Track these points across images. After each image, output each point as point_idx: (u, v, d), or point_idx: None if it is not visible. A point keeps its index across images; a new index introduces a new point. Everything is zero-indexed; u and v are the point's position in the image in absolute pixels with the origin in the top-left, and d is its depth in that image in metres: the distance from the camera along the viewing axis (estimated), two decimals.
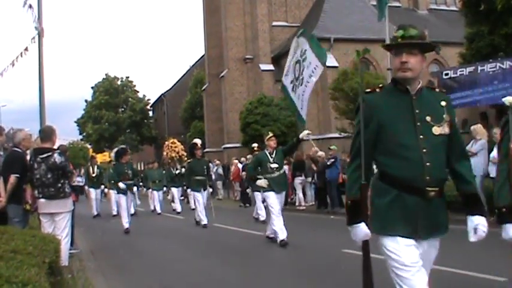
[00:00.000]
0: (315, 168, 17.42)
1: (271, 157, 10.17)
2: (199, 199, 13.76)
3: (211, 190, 15.28)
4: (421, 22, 36.73)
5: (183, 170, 19.66)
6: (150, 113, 58.32)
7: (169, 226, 15.34)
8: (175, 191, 20.25)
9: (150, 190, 20.71)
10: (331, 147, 17.56)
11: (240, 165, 22.25)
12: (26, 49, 10.86)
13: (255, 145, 14.47)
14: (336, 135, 26.46)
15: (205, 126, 41.22)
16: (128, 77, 56.16)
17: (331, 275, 6.99)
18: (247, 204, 21.12)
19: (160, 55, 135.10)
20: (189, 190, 14.20)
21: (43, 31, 10.94)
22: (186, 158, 22.44)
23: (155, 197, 20.09)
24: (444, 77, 14.44)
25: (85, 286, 6.45)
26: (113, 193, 18.35)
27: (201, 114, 42.71)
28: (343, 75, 23.77)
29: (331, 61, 30.47)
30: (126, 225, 13.39)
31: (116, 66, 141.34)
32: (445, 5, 40.84)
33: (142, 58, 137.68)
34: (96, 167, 20.11)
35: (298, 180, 18.34)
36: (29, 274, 3.52)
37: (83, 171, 41.73)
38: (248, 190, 16.32)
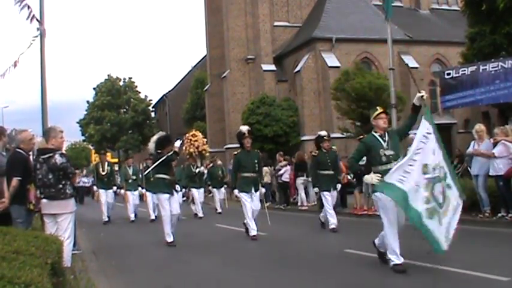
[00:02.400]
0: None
1: (384, 141, 7.27)
2: (247, 203, 10.97)
3: (264, 190, 12.04)
4: (422, 22, 36.80)
5: (202, 168, 18.87)
6: (152, 114, 58.31)
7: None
8: (196, 193, 17.76)
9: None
10: (332, 147, 17.53)
11: None
12: (28, 48, 10.86)
13: (323, 133, 12.42)
14: (338, 135, 26.47)
15: (207, 126, 41.20)
16: (130, 78, 56.14)
17: (333, 275, 6.99)
18: None
19: (162, 56, 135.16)
20: (236, 191, 11.20)
21: (45, 32, 10.94)
22: (208, 154, 21.20)
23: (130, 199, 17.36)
24: (446, 76, 14.41)
25: (87, 287, 6.45)
26: (149, 194, 16.14)
27: (203, 115, 42.71)
28: (344, 75, 23.76)
29: (332, 61, 30.51)
30: (169, 239, 10.56)
31: (118, 67, 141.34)
32: (447, 4, 40.80)
33: (144, 59, 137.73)
34: (106, 164, 17.28)
35: (300, 180, 18.36)
36: (31, 275, 3.53)
37: (85, 171, 41.72)
38: (316, 190, 12.78)
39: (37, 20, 10.62)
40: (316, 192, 13.27)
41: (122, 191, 17.40)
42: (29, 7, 10.30)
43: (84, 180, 34.10)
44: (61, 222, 7.10)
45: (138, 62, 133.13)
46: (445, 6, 40.57)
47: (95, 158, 19.79)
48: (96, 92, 54.46)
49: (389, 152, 7.13)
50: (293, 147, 29.63)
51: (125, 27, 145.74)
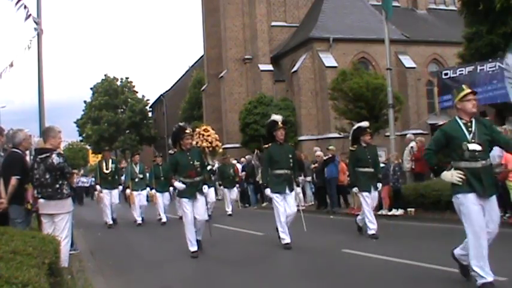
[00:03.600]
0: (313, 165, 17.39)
1: (469, 132, 5.68)
2: (279, 207, 9.35)
3: (299, 191, 10.83)
4: (419, 22, 36.84)
5: (216, 165, 18.20)
6: (150, 114, 58.29)
7: (169, 226, 15.29)
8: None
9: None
10: (329, 147, 17.58)
11: (239, 166, 22.13)
12: (26, 48, 10.85)
13: (364, 124, 10.79)
14: (335, 135, 26.48)
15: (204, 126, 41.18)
16: (127, 78, 56.14)
17: (331, 275, 6.99)
18: (247, 205, 21.12)
19: (159, 56, 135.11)
20: (268, 191, 9.54)
21: (42, 32, 10.93)
22: (221, 150, 20.07)
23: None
24: (444, 76, 14.45)
25: (85, 287, 6.45)
26: (159, 195, 15.57)
27: (200, 115, 42.69)
28: (342, 75, 23.76)
29: (330, 61, 30.52)
30: (192, 248, 8.99)
31: (115, 67, 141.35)
32: (444, 4, 40.86)
33: (141, 59, 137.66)
34: (111, 161, 15.65)
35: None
36: (28, 275, 3.53)
37: (82, 171, 41.60)
38: (355, 190, 10.82)
39: (34, 20, 10.62)
40: (355, 193, 11.54)
41: (128, 191, 15.84)
42: (25, 7, 10.30)
43: (83, 180, 33.40)
44: (58, 222, 7.09)
45: (136, 62, 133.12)
46: (442, 6, 40.63)
47: (102, 155, 17.76)
48: (93, 92, 54.43)
49: (475, 147, 5.63)
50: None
51: (122, 27, 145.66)
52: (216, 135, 19.58)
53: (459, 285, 5.98)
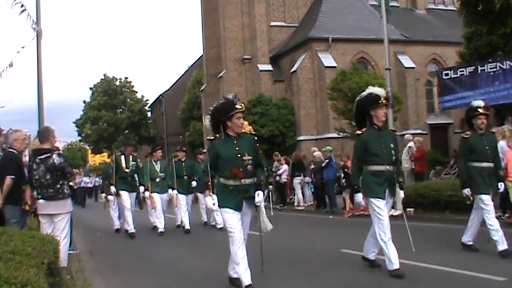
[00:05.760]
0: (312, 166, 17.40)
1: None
2: (381, 217, 6.67)
3: (403, 195, 7.42)
4: (419, 22, 36.83)
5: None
6: (149, 114, 58.33)
7: (168, 226, 15.27)
8: None
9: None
10: (326, 148, 17.59)
11: None
12: (23, 48, 10.85)
13: (479, 103, 7.87)
14: (334, 135, 26.49)
15: (203, 126, 41.19)
16: (127, 78, 56.29)
17: (330, 275, 6.99)
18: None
19: (158, 56, 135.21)
20: (359, 196, 7.00)
21: (41, 32, 10.93)
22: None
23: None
24: (444, 77, 14.45)
25: (84, 287, 6.43)
26: (183, 198, 13.43)
27: (200, 115, 42.68)
28: (341, 75, 23.77)
29: (329, 61, 30.52)
30: (246, 280, 5.99)
31: (114, 67, 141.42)
32: (443, 4, 40.87)
33: (140, 59, 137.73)
34: (131, 158, 12.83)
35: (297, 180, 18.38)
36: (28, 275, 3.53)
37: (80, 170, 41.34)
38: (466, 191, 7.84)
39: (33, 21, 10.62)
40: (467, 196, 7.85)
41: (147, 193, 13.02)
42: (22, 5, 10.30)
43: (85, 181, 32.01)
44: (58, 222, 7.09)
45: (135, 62, 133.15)
46: (441, 6, 40.64)
47: (123, 149, 13.50)
48: (92, 92, 54.49)
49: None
50: (289, 148, 29.64)
51: (122, 28, 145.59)
52: (250, 127, 18.48)
53: (459, 285, 5.98)
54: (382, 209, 6.64)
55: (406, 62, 32.02)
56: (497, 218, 7.64)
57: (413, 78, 32.19)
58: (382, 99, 6.75)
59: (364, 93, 7.01)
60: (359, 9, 34.07)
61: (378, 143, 6.75)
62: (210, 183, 6.12)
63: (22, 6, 10.37)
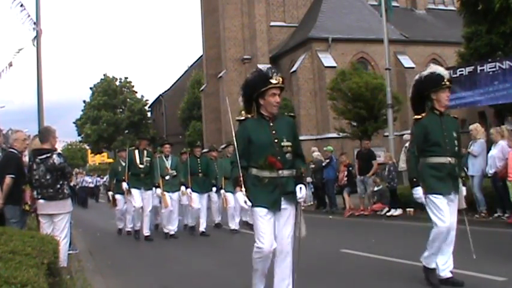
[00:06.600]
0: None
1: None
2: (440, 221, 5.68)
3: (465, 192, 6.20)
4: (418, 22, 36.84)
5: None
6: (149, 114, 58.35)
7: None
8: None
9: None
10: (327, 147, 17.59)
11: None
12: (18, 51, 10.85)
13: None
14: (334, 135, 26.48)
15: (203, 126, 41.18)
16: (127, 78, 56.39)
17: (330, 275, 6.98)
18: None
19: (158, 56, 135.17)
20: (419, 191, 5.89)
21: (41, 32, 10.93)
22: None
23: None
24: None
25: (83, 286, 6.43)
26: (197, 196, 12.35)
27: (199, 115, 42.71)
28: (341, 75, 23.76)
29: (329, 61, 30.51)
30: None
31: (114, 67, 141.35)
32: (443, 4, 40.88)
33: (140, 59, 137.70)
34: (145, 153, 11.78)
35: None
36: (27, 275, 3.52)
37: (80, 170, 41.07)
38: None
39: (33, 21, 10.63)
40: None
41: (158, 191, 11.82)
42: (22, 5, 10.30)
43: (87, 180, 31.35)
44: (58, 222, 7.09)
45: (135, 62, 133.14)
46: (441, 6, 40.65)
47: (138, 143, 12.51)
48: (92, 92, 54.53)
49: None
50: None
51: (122, 27, 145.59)
52: None
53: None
54: (442, 209, 5.68)
55: (406, 62, 32.02)
56: (497, 217, 7.64)
57: (413, 78, 32.12)
58: (445, 80, 5.84)
59: (425, 73, 6.04)
60: (359, 9, 34.06)
61: (440, 131, 5.78)
62: (241, 177, 4.86)
63: (22, 6, 10.37)
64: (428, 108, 5.96)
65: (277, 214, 4.93)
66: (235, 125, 5.34)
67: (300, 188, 4.94)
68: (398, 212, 13.44)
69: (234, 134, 5.18)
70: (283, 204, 4.92)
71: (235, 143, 5.04)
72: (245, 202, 4.85)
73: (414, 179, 5.84)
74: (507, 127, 11.71)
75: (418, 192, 5.83)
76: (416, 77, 6.14)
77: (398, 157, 16.11)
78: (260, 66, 4.73)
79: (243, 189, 4.84)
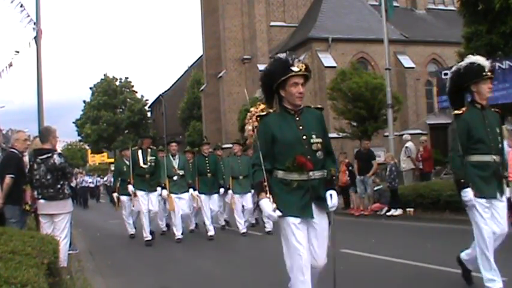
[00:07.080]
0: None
1: None
2: (484, 224, 5.13)
3: (509, 194, 5.63)
4: (418, 22, 36.83)
5: None
6: (149, 114, 58.37)
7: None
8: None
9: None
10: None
11: None
12: (17, 53, 10.85)
13: None
14: (334, 135, 26.44)
15: (203, 126, 41.20)
16: (127, 78, 56.41)
17: (330, 275, 6.98)
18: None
19: (158, 56, 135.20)
20: (469, 193, 5.07)
21: (41, 32, 10.93)
22: None
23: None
24: (444, 76, 14.47)
25: (83, 286, 6.43)
26: (205, 199, 11.78)
27: (199, 115, 42.72)
28: (341, 75, 23.75)
29: (329, 61, 30.51)
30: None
31: (114, 67, 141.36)
32: (443, 4, 40.87)
33: (140, 59, 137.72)
34: (149, 152, 11.10)
35: None
36: (27, 275, 3.52)
37: (80, 170, 40.97)
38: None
39: (33, 21, 10.63)
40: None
41: (164, 193, 11.22)
42: (21, 5, 10.30)
43: (87, 180, 30.90)
44: (58, 222, 7.09)
45: (135, 62, 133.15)
46: (441, 6, 40.65)
47: (141, 142, 11.83)
48: (92, 92, 54.56)
49: None
50: None
51: (122, 27, 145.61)
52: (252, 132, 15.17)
53: (459, 285, 5.97)
54: (487, 212, 5.12)
55: (406, 62, 32.03)
56: None
57: (413, 78, 32.19)
58: (486, 70, 5.25)
59: (463, 63, 5.44)
60: (359, 9, 34.06)
61: (483, 126, 5.23)
62: (265, 182, 4.11)
63: (22, 6, 10.37)
64: (469, 102, 5.42)
65: (309, 224, 4.25)
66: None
67: (331, 194, 4.28)
68: (399, 212, 13.44)
69: (256, 131, 4.43)
70: (315, 212, 4.24)
71: (257, 143, 4.26)
72: (274, 211, 4.06)
73: (462, 180, 5.18)
74: (507, 127, 11.70)
75: (468, 194, 5.08)
76: (454, 68, 5.59)
77: (398, 157, 16.14)
78: (281, 55, 3.81)
79: (269, 195, 4.09)
